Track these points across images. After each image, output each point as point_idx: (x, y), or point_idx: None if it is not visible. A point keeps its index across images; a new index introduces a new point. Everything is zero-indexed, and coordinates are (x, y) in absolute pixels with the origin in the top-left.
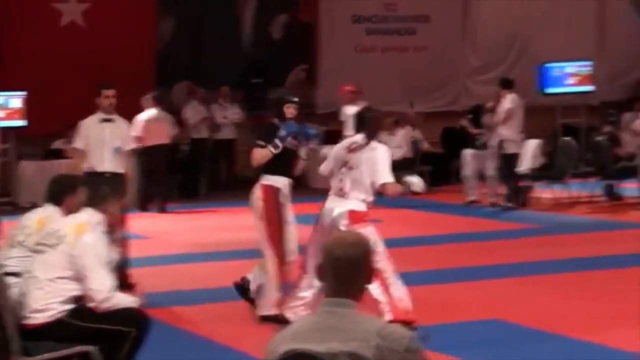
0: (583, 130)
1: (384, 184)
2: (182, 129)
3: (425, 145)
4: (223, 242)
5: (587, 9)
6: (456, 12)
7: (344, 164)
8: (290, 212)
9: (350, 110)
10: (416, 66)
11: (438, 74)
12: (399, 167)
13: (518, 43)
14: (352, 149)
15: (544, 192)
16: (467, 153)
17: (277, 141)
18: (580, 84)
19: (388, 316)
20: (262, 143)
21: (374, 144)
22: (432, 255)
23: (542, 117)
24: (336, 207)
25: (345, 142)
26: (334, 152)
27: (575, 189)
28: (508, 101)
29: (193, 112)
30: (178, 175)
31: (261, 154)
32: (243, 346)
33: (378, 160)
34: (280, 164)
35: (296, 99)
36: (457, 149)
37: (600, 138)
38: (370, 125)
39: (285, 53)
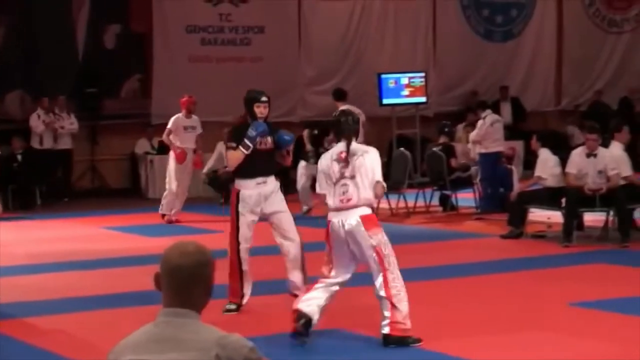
0: (418, 141)
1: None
2: (18, 140)
3: None
4: (58, 253)
5: (421, 20)
6: (291, 23)
7: (341, 175)
8: (279, 203)
9: (186, 122)
10: (252, 77)
11: (274, 84)
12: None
13: (352, 54)
14: (342, 159)
15: (380, 202)
16: (301, 165)
17: (247, 141)
18: (414, 95)
19: (386, 330)
20: (234, 145)
21: (363, 147)
22: (259, 265)
23: (378, 127)
24: (347, 218)
25: (328, 155)
26: (321, 168)
27: (411, 199)
28: None
29: (38, 121)
30: (13, 185)
31: (234, 156)
32: (82, 356)
33: (373, 162)
34: (252, 165)
35: (266, 98)
36: (296, 159)
37: (435, 149)
38: (349, 129)
39: (119, 63)
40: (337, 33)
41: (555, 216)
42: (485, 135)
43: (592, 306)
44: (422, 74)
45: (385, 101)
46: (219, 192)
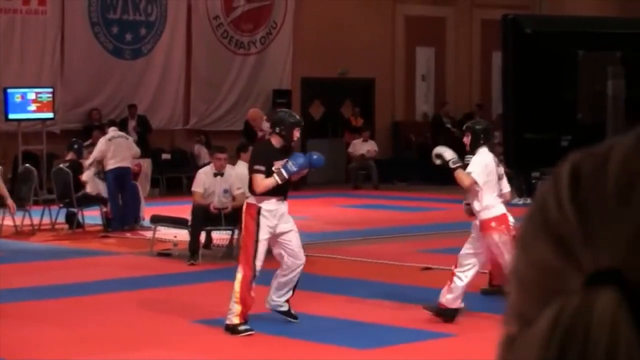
0: (44, 157)
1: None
2: None
3: None
4: None
5: (48, 35)
6: None
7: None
8: (291, 221)
9: None
10: None
11: None
12: None
13: None
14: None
15: (4, 218)
16: None
17: (284, 172)
18: (41, 110)
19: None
20: (262, 168)
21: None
22: None
23: (3, 143)
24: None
25: (491, 155)
26: (486, 164)
27: (36, 216)
28: None
29: None
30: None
31: (265, 184)
32: None
33: None
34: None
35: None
36: None
37: (62, 165)
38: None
39: None
40: None
41: (182, 234)
42: (106, 152)
43: (217, 324)
44: (50, 90)
45: (11, 116)
46: None
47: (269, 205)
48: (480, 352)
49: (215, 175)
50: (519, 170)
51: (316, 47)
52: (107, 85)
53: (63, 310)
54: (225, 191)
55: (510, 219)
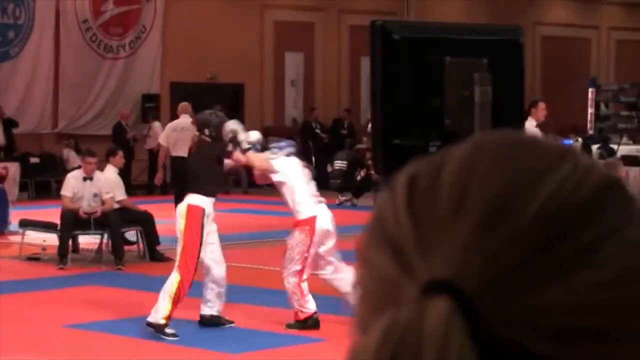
0: None
1: None
2: None
3: None
4: None
5: None
6: None
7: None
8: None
9: None
10: None
11: None
12: None
13: None
14: None
15: None
16: None
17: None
18: None
19: None
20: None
21: None
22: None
23: None
24: None
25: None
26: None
27: None
28: None
29: None
30: None
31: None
32: None
33: None
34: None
35: None
36: None
37: None
38: None
39: None
40: None
41: (51, 238)
42: None
43: (87, 328)
44: None
45: None
46: None
47: (210, 208)
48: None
49: (85, 179)
50: (387, 176)
51: (185, 52)
52: None
53: None
54: (95, 195)
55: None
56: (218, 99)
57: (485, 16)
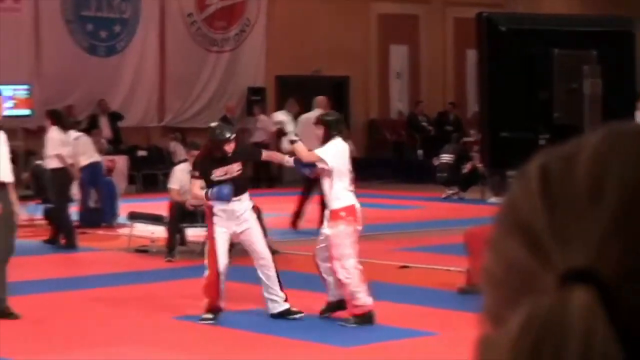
0: (22, 153)
1: None
2: None
3: None
4: None
5: (23, 32)
6: None
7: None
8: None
9: None
10: None
11: None
12: None
13: None
14: None
15: None
16: None
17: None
18: (18, 107)
19: None
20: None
21: None
22: None
23: None
24: None
25: (346, 145)
26: (338, 150)
27: None
28: None
29: None
30: None
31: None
32: None
33: None
34: None
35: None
36: None
37: (39, 162)
38: None
39: None
40: None
41: (159, 231)
42: (74, 149)
43: (195, 320)
44: (27, 87)
45: None
46: None
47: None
48: (460, 351)
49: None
50: (495, 169)
51: (290, 45)
52: (82, 82)
53: (43, 306)
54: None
55: (358, 211)
56: (323, 91)
57: (594, 8)
